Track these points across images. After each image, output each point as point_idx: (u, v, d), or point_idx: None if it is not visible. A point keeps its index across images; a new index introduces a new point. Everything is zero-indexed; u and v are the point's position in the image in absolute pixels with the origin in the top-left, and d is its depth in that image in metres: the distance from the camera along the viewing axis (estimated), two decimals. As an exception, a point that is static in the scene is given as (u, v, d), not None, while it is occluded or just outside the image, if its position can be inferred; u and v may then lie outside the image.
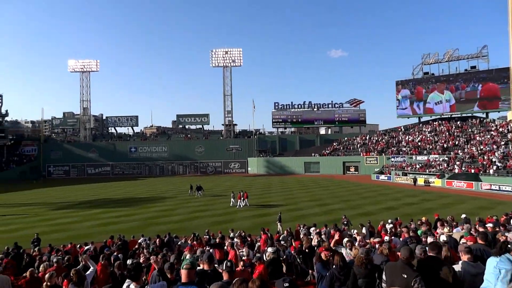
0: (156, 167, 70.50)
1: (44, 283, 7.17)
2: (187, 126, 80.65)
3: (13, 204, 32.38)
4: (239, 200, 28.59)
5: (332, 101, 72.52)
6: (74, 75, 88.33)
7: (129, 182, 55.54)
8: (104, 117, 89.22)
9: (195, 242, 13.21)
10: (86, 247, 13.74)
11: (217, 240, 12.56)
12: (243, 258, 8.81)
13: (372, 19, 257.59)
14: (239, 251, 10.12)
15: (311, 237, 11.83)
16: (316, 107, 72.71)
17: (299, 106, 73.17)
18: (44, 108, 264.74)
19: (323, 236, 12.21)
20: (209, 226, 19.70)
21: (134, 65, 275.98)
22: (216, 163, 69.72)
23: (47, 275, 7.18)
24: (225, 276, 4.28)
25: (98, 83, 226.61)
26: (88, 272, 7.11)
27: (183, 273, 3.74)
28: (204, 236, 15.01)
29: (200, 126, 79.17)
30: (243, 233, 14.77)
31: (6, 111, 69.83)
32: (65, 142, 74.52)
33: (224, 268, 4.37)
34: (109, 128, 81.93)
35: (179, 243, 14.15)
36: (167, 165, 70.56)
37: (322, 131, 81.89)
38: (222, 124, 76.62)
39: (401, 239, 10.08)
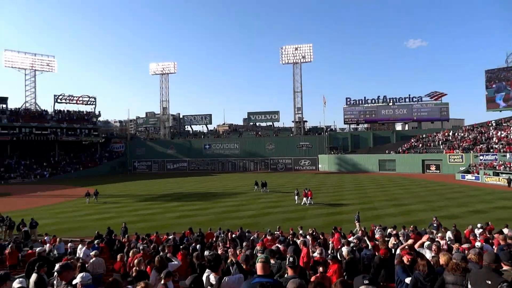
0: (229, 163, 73.05)
1: (134, 268, 7.90)
2: (257, 124, 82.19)
3: (106, 194, 36.20)
4: (304, 198, 28.23)
5: (409, 95, 67.93)
6: (154, 77, 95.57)
7: (203, 177, 58.41)
8: (181, 116, 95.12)
9: (268, 237, 13.39)
10: (168, 237, 14.77)
11: (289, 237, 12.60)
12: (315, 256, 8.69)
13: (456, 2, 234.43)
14: (311, 249, 10.01)
15: (388, 238, 11.24)
16: (391, 101, 68.73)
17: (373, 101, 69.85)
18: (130, 109, 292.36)
19: (401, 238, 11.52)
20: (281, 223, 19.84)
21: (208, 65, 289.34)
22: (286, 160, 69.90)
23: (135, 261, 7.90)
24: (290, 272, 4.28)
25: (176, 84, 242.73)
26: (172, 263, 7.58)
27: (259, 266, 3.86)
28: (275, 233, 15.15)
29: (270, 123, 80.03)
30: (315, 232, 14.58)
31: (99, 112, 78.18)
32: (147, 140, 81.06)
33: (287, 263, 4.36)
34: (186, 126, 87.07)
35: (251, 238, 14.50)
36: (239, 162, 72.66)
37: (398, 127, 77.16)
38: (292, 121, 76.58)
39: (494, 246, 9.05)
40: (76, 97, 73.53)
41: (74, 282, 4.69)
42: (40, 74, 73.80)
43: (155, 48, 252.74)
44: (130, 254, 9.84)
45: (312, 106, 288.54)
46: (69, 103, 73.36)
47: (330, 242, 13.23)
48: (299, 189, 30.06)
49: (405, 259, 5.44)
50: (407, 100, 67.80)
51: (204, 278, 4.99)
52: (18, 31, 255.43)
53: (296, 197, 29.29)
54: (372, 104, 69.72)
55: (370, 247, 9.62)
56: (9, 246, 12.81)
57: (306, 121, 79.12)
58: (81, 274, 4.55)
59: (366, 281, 3.16)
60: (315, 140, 70.54)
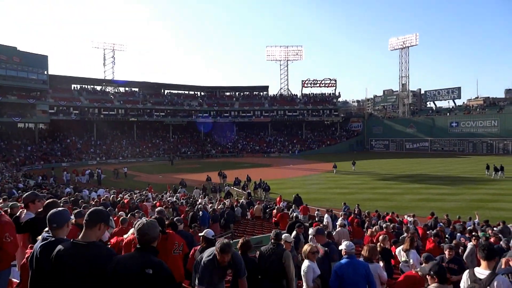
0: (483, 144, 61.62)
1: (378, 244, 8.14)
2: (527, 95, 64.75)
3: (345, 171, 38.51)
4: None
5: None
6: (393, 53, 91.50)
7: (449, 159, 52.01)
8: (422, 92, 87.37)
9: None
10: (410, 219, 14.22)
11: None
12: None
13: None
14: None
15: None
16: None
17: None
18: (367, 88, 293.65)
19: None
20: None
21: (455, 31, 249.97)
22: None
23: (380, 237, 8.10)
24: None
25: (417, 57, 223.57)
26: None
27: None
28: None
29: (549, 93, 61.29)
30: None
31: (339, 93, 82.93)
32: (385, 119, 79.46)
33: None
34: (428, 103, 79.42)
35: (519, 236, 11.86)
36: (497, 143, 59.99)
37: None
38: None
39: None
40: (319, 80, 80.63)
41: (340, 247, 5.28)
42: (291, 63, 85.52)
43: (396, 21, 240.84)
44: (374, 229, 10.15)
45: None
46: (313, 86, 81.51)
47: None
48: None
49: None
50: None
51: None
52: (273, 27, 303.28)
53: None
54: None
55: None
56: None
57: None
58: (345, 243, 5.02)
59: None
60: None
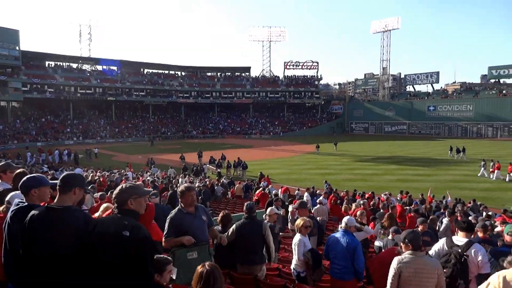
0: (458, 127, 63.55)
1: (357, 218, 8.36)
2: (502, 80, 66.74)
3: (326, 153, 39.06)
4: (492, 173, 23.37)
5: None
6: (375, 36, 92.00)
7: (426, 142, 53.51)
8: (402, 76, 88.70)
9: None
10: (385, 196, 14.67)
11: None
12: None
13: None
14: None
15: None
16: None
17: None
18: (349, 71, 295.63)
19: None
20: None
21: (437, 16, 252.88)
22: (543, 126, 54.30)
23: (358, 212, 8.30)
24: None
25: (398, 41, 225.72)
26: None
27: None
28: None
29: (521, 79, 63.41)
30: None
31: (320, 75, 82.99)
32: (365, 102, 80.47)
33: None
34: (407, 87, 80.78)
35: (489, 213, 12.45)
36: (472, 126, 62.00)
37: None
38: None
39: None
40: (302, 63, 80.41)
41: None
42: (274, 44, 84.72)
43: (379, 5, 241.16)
44: (353, 206, 10.40)
45: None
46: (296, 68, 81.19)
47: None
48: (486, 160, 25.08)
49: None
50: None
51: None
52: (256, 9, 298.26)
53: (482, 168, 24.15)
54: None
55: None
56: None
57: None
58: (346, 218, 5.19)
59: None
60: None
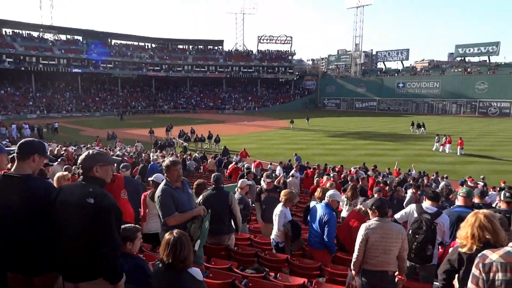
0: (425, 104, 65.76)
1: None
2: (467, 59, 69.09)
3: (299, 128, 39.47)
4: (443, 146, 25.09)
5: None
6: (348, 12, 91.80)
7: (394, 118, 55.15)
8: (373, 52, 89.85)
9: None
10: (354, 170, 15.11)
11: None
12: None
13: None
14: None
15: None
16: None
17: None
18: (322, 47, 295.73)
19: None
20: (486, 174, 16.94)
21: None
22: (502, 103, 57.14)
23: (328, 184, 8.52)
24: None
25: (371, 17, 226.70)
26: None
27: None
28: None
29: (485, 58, 65.82)
30: None
31: (294, 51, 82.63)
32: (338, 78, 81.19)
33: None
34: (378, 63, 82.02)
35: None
36: (438, 103, 64.34)
37: None
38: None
39: None
40: (275, 37, 79.40)
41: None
42: (247, 16, 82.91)
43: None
44: (324, 179, 10.64)
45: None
46: (269, 42, 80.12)
47: None
48: (440, 135, 26.51)
49: None
50: None
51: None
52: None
53: (436, 143, 25.92)
54: None
55: None
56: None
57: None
58: (331, 191, 5.21)
59: None
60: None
